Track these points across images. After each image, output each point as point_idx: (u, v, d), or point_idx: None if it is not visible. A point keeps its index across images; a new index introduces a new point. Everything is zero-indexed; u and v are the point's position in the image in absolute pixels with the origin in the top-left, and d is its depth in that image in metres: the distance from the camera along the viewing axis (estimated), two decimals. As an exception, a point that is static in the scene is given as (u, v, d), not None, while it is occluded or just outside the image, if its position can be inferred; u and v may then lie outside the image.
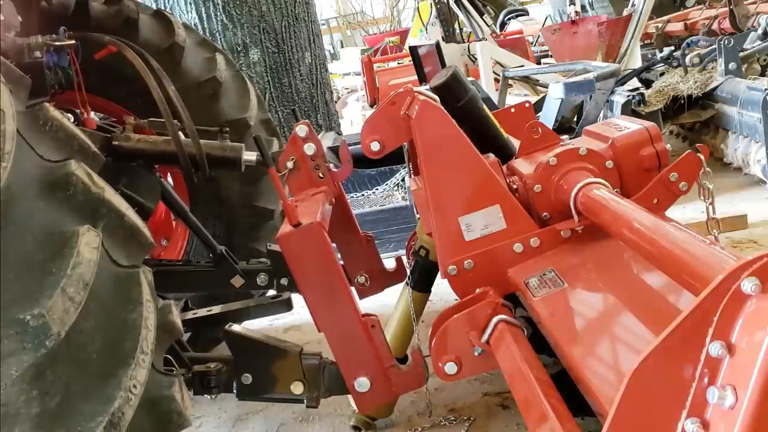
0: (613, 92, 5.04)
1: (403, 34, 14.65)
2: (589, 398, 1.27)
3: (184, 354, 1.99)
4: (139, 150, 2.34)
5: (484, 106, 2.34)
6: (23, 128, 1.23)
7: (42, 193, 1.23)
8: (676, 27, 7.99)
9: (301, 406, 2.63)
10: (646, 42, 8.14)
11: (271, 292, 2.63)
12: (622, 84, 5.51)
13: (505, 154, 2.17)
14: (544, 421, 1.21)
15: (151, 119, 2.43)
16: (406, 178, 4.59)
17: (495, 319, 1.61)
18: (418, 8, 9.98)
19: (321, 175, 2.16)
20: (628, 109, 4.79)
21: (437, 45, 6.60)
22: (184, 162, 2.26)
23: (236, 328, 1.98)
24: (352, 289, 2.56)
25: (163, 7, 6.13)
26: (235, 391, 1.95)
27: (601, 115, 5.02)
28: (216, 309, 2.48)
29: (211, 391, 1.93)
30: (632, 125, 2.00)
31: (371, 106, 9.21)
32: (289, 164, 2.14)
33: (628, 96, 4.91)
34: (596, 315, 1.54)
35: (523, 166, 2.05)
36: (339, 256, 2.55)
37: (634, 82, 5.83)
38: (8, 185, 1.10)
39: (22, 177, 1.16)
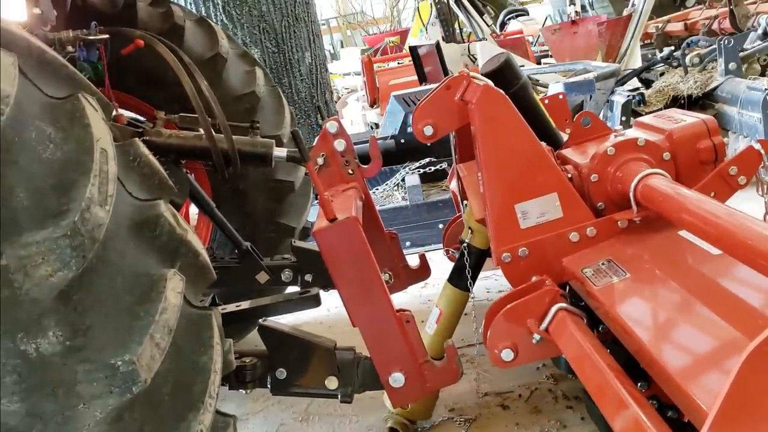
0: (613, 92, 5.05)
1: (403, 34, 14.64)
2: (668, 386, 1.27)
3: None
4: (170, 145, 2.32)
5: (534, 94, 2.33)
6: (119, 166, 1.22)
7: (131, 233, 1.23)
8: (676, 27, 7.99)
9: (302, 406, 2.65)
10: (646, 42, 8.14)
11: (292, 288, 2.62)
12: (622, 84, 5.51)
13: (553, 143, 2.16)
14: (624, 408, 1.22)
15: (182, 114, 2.43)
16: (407, 178, 4.59)
17: (555, 308, 1.62)
18: (418, 8, 9.97)
19: (350, 171, 2.16)
20: (628, 109, 4.80)
21: (437, 45, 6.61)
22: (216, 157, 2.24)
23: (270, 322, 1.97)
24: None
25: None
26: (269, 385, 1.94)
27: (601, 115, 5.03)
28: (245, 304, 2.48)
29: (246, 385, 1.91)
30: (689, 118, 1.99)
31: (371, 106, 9.20)
32: (320, 160, 2.14)
33: (628, 96, 4.91)
34: (668, 305, 1.53)
35: (574, 155, 2.06)
36: None
37: (634, 82, 5.84)
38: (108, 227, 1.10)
39: (116, 216, 1.16)
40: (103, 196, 1.10)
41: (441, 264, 4.02)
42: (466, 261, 2.23)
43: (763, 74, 5.04)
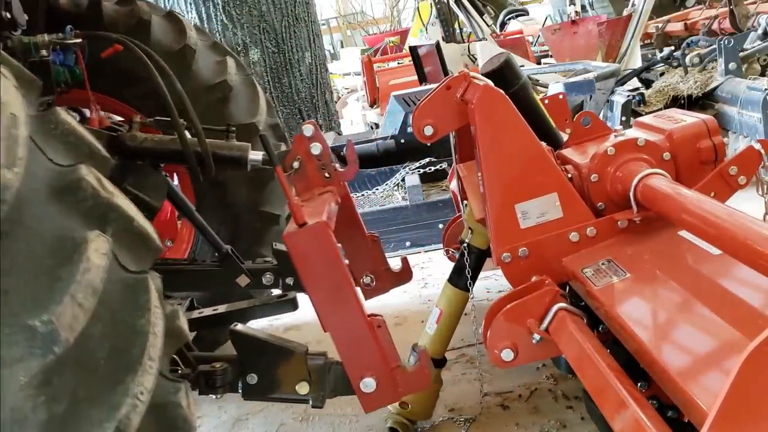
0: (613, 92, 5.05)
1: (403, 34, 14.64)
2: (668, 386, 1.27)
3: (189, 353, 1.98)
4: (145, 148, 2.34)
5: (534, 94, 2.33)
6: (34, 132, 1.22)
7: (52, 198, 1.22)
8: (676, 27, 7.99)
9: (302, 406, 2.65)
10: (646, 42, 8.14)
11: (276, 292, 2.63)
12: (622, 84, 5.51)
13: (553, 143, 2.16)
14: (624, 408, 1.22)
15: (157, 118, 2.44)
16: (407, 178, 4.59)
17: (555, 308, 1.62)
18: (418, 8, 9.98)
19: (327, 174, 2.15)
20: (628, 109, 4.80)
21: (437, 45, 6.61)
22: (190, 160, 2.25)
23: (242, 327, 1.97)
24: (358, 289, 2.56)
25: (162, 7, 6.14)
26: (240, 390, 1.94)
27: (601, 115, 5.03)
28: (222, 308, 2.48)
29: (216, 390, 1.92)
30: (689, 118, 1.99)
31: (371, 106, 9.20)
32: (295, 164, 2.13)
33: (628, 96, 4.92)
34: (668, 305, 1.53)
35: (574, 155, 2.06)
36: (344, 256, 2.55)
37: (634, 82, 5.84)
38: (20, 190, 1.10)
39: (32, 181, 1.16)
40: (11, 159, 1.10)
41: (441, 264, 4.03)
42: (466, 261, 2.23)
43: (763, 74, 5.04)
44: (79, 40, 2.23)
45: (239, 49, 6.25)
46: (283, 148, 3.14)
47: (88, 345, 1.14)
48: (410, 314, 3.40)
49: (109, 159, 1.51)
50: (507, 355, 1.66)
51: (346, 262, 2.52)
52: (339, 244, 1.89)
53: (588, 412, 2.13)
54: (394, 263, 2.58)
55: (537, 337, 1.63)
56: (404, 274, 2.58)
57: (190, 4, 6.11)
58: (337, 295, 1.79)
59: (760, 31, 5.44)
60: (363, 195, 4.79)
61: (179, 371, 1.90)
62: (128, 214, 1.39)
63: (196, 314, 2.43)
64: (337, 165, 2.21)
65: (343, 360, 1.85)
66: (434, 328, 2.30)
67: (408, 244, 4.37)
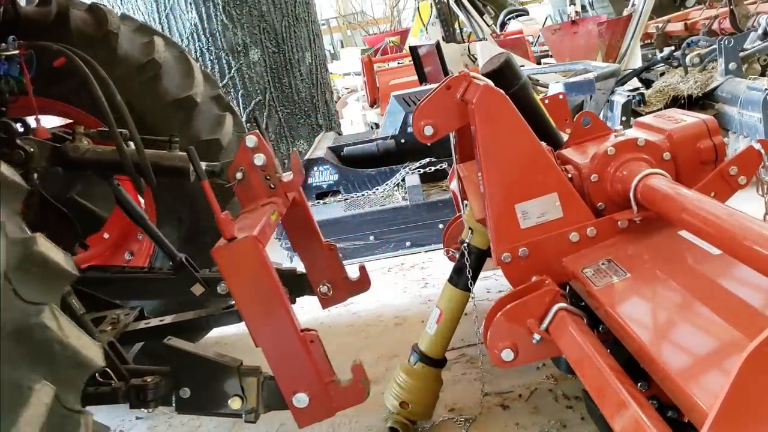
0: (613, 92, 5.04)
1: (403, 34, 14.64)
2: (668, 386, 1.27)
3: (122, 366, 1.98)
4: (87, 159, 2.35)
5: (534, 94, 2.33)
6: None
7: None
8: (676, 27, 7.99)
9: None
10: (646, 42, 8.13)
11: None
12: (622, 84, 5.51)
13: (553, 143, 2.16)
14: (624, 408, 1.22)
15: (100, 129, 2.45)
16: (407, 178, 4.59)
17: (555, 307, 1.62)
18: (418, 8, 9.98)
19: (272, 185, 2.14)
20: (628, 109, 4.80)
21: (437, 45, 6.60)
22: (129, 171, 2.26)
23: (175, 341, 1.96)
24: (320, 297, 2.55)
25: (163, 8, 6.14)
26: (174, 404, 1.94)
27: (601, 115, 5.03)
28: (168, 319, 2.47)
29: (147, 405, 1.92)
30: (689, 118, 1.99)
31: (371, 106, 9.20)
32: (238, 175, 2.12)
33: (628, 96, 4.91)
34: (668, 305, 1.53)
35: (574, 155, 2.06)
36: (303, 265, 2.54)
37: (634, 82, 5.84)
38: None
39: None
40: None
41: (441, 264, 4.03)
42: (466, 261, 2.23)
43: (763, 74, 5.03)
44: (15, 52, 2.24)
45: (239, 49, 6.25)
46: (230, 118, 3.15)
47: None
48: (410, 314, 3.40)
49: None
50: (507, 355, 1.66)
51: (303, 271, 2.52)
52: (271, 258, 1.87)
53: (588, 412, 2.13)
54: (352, 271, 2.57)
55: (537, 337, 1.63)
56: (362, 283, 2.57)
57: (190, 4, 6.11)
58: (268, 311, 1.78)
59: (760, 31, 5.44)
60: (363, 195, 4.79)
61: (112, 385, 1.91)
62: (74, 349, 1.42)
63: (142, 324, 2.44)
64: (284, 176, 2.18)
65: (275, 375, 1.85)
66: (434, 328, 2.30)
67: (408, 244, 4.36)
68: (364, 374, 1.89)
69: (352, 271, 2.59)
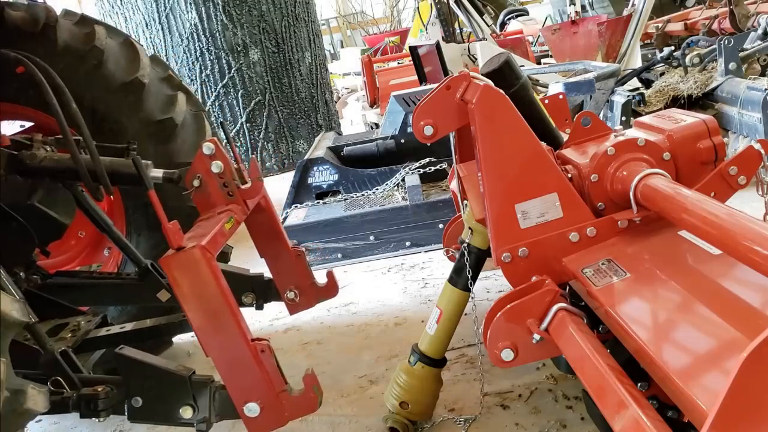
0: (613, 92, 5.05)
1: (403, 34, 14.64)
2: (668, 386, 1.27)
3: (75, 375, 1.99)
4: (44, 167, 2.36)
5: (534, 94, 2.33)
6: None
7: None
8: (676, 27, 7.99)
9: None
10: (646, 42, 8.14)
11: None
12: (622, 84, 5.51)
13: (553, 143, 2.16)
14: (624, 408, 1.22)
15: (58, 137, 2.45)
16: (407, 178, 4.59)
17: (555, 308, 1.62)
18: (418, 8, 9.97)
19: (230, 193, 2.12)
20: (628, 109, 4.80)
21: (437, 45, 6.60)
22: (85, 179, 2.26)
23: (127, 350, 1.96)
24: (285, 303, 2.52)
25: (163, 8, 6.14)
26: (126, 413, 1.94)
27: (601, 115, 5.03)
28: (129, 326, 2.47)
29: (98, 414, 1.92)
30: (689, 118, 1.99)
31: (371, 106, 9.20)
32: (195, 182, 2.10)
33: (628, 96, 4.92)
34: (668, 305, 1.53)
35: (574, 155, 2.06)
36: (269, 270, 2.51)
37: (634, 82, 5.84)
38: None
39: None
40: None
41: (441, 264, 4.03)
42: (466, 261, 2.23)
43: (763, 74, 5.03)
44: None
45: (239, 49, 6.26)
46: (182, 97, 3.17)
47: None
48: (410, 314, 3.40)
49: None
50: (507, 355, 1.66)
51: (271, 276, 2.50)
52: (221, 266, 1.86)
53: (588, 412, 2.13)
54: (320, 277, 2.55)
55: (537, 337, 1.63)
56: (330, 289, 2.54)
57: (190, 4, 6.11)
58: (217, 321, 1.78)
59: (760, 31, 5.44)
60: (363, 195, 4.79)
61: (63, 394, 1.92)
62: None
63: (103, 332, 2.44)
64: (244, 185, 2.16)
65: (226, 385, 1.84)
66: (434, 328, 2.30)
67: (408, 244, 4.37)
68: (316, 383, 1.88)
69: (319, 277, 2.58)
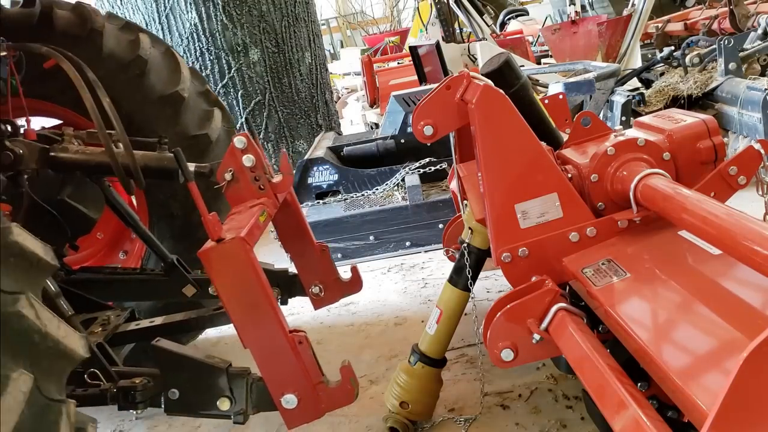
0: (613, 92, 5.05)
1: (403, 34, 14.64)
2: (668, 386, 1.27)
3: (111, 368, 1.99)
4: (76, 161, 2.35)
5: (534, 94, 2.33)
6: None
7: None
8: (676, 27, 7.99)
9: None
10: (646, 42, 8.14)
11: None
12: (622, 84, 5.51)
13: (553, 143, 2.16)
14: (624, 408, 1.22)
15: (89, 131, 2.44)
16: (407, 178, 4.59)
17: (555, 308, 1.63)
18: (418, 8, 9.98)
19: (261, 186, 2.13)
20: (628, 109, 4.80)
21: (437, 45, 6.60)
22: (118, 174, 2.26)
23: (164, 343, 1.97)
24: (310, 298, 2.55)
25: (163, 8, 6.14)
26: (162, 406, 1.95)
27: (601, 115, 5.03)
28: (159, 320, 2.48)
29: (136, 406, 1.92)
30: (689, 118, 1.99)
31: (371, 106, 9.20)
32: (227, 176, 2.12)
33: (628, 96, 4.91)
34: (668, 305, 1.53)
35: (574, 155, 2.06)
36: (293, 265, 2.54)
37: (634, 82, 5.84)
38: None
39: None
40: None
41: (441, 264, 4.03)
42: (466, 261, 2.23)
43: (763, 74, 5.03)
44: (5, 53, 2.24)
45: (239, 49, 6.25)
46: (218, 113, 3.16)
47: None
48: (410, 314, 3.40)
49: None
50: (507, 355, 1.67)
51: (294, 271, 2.52)
52: (258, 258, 1.86)
53: (588, 412, 2.13)
54: (344, 273, 2.57)
55: (537, 337, 1.63)
56: (354, 284, 2.57)
57: (190, 4, 6.11)
58: (256, 312, 1.78)
59: (760, 31, 5.44)
60: (363, 195, 4.79)
61: (100, 386, 1.92)
62: (56, 338, 1.42)
63: (132, 326, 2.44)
64: (275, 177, 2.18)
65: (263, 377, 1.85)
66: (434, 328, 2.30)
67: (408, 244, 4.36)
68: (353, 375, 1.89)
69: (344, 271, 2.59)
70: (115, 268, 2.84)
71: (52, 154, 2.34)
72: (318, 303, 2.54)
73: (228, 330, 3.29)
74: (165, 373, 1.94)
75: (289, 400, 1.83)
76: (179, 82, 3.05)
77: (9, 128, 2.33)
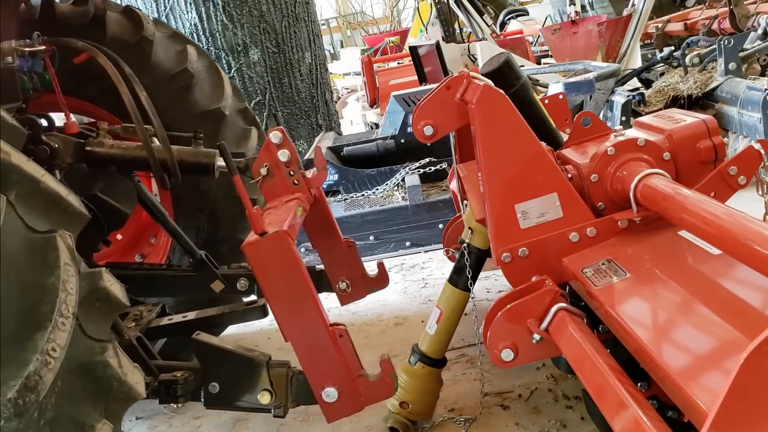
0: (613, 92, 5.05)
1: (403, 34, 14.64)
2: (668, 386, 1.27)
3: (151, 362, 1.99)
4: (112, 156, 2.34)
5: (534, 94, 2.33)
6: None
7: None
8: (676, 27, 8.00)
9: (302, 405, 2.64)
10: (646, 42, 8.14)
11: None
12: (622, 84, 5.51)
13: (553, 143, 2.16)
14: (624, 408, 1.22)
15: (125, 125, 2.43)
16: (407, 178, 4.59)
17: (555, 308, 1.63)
18: (418, 8, 9.98)
19: (296, 181, 2.14)
20: (628, 109, 4.80)
21: (437, 45, 6.60)
22: (155, 168, 2.26)
23: (203, 336, 1.97)
24: (333, 295, 2.56)
25: (163, 8, 6.14)
26: (202, 399, 1.94)
27: (601, 115, 5.03)
28: (191, 315, 2.47)
29: (177, 399, 1.92)
30: (689, 118, 1.99)
31: (371, 106, 9.21)
32: (263, 171, 2.12)
33: (628, 96, 4.92)
34: (668, 305, 1.53)
35: (574, 155, 2.06)
36: (321, 261, 2.54)
37: (634, 82, 5.84)
38: None
39: None
40: None
41: (441, 264, 4.03)
42: (466, 261, 2.23)
43: (763, 74, 5.04)
44: (41, 48, 2.21)
45: (239, 49, 6.25)
46: (255, 132, 3.13)
47: None
48: (410, 314, 3.40)
49: (20, 129, 1.50)
50: (507, 355, 1.67)
51: (321, 267, 2.53)
52: (302, 252, 1.87)
53: (588, 412, 2.13)
54: (371, 268, 2.57)
55: (537, 337, 1.63)
56: (380, 280, 2.57)
57: (190, 4, 6.11)
58: (298, 305, 1.78)
59: (760, 31, 5.45)
60: (363, 195, 4.79)
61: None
62: (33, 176, 1.39)
63: (165, 321, 2.43)
64: (308, 172, 2.19)
65: (304, 370, 1.84)
66: (434, 328, 2.30)
67: (408, 244, 4.36)
68: (392, 368, 1.88)
69: (370, 267, 2.60)
70: (141, 264, 2.82)
71: (88, 148, 2.32)
72: (345, 299, 2.55)
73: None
74: (205, 367, 1.94)
75: (330, 394, 1.83)
76: (222, 98, 3.00)
77: (45, 122, 2.32)
